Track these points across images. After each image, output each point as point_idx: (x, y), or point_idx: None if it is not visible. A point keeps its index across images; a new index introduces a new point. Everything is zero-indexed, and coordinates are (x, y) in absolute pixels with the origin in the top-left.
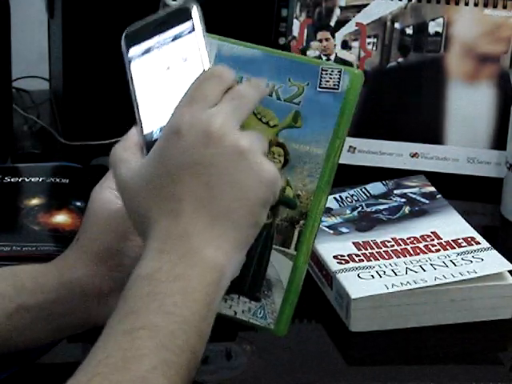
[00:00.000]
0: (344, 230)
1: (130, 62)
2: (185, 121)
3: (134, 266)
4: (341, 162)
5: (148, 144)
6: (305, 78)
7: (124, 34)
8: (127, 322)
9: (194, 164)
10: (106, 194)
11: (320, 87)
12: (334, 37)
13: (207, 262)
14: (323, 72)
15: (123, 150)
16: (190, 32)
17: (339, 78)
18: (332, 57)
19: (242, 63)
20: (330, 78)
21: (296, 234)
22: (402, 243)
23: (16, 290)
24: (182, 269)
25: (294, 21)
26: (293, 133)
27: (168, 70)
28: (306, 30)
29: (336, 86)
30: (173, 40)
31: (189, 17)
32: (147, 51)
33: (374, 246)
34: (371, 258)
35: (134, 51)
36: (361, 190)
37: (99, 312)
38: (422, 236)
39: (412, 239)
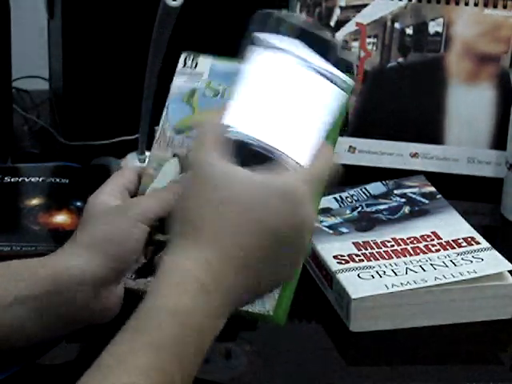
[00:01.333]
0: (344, 229)
1: (252, 43)
2: (301, 195)
3: (129, 256)
4: (341, 162)
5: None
6: None
7: (266, 12)
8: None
9: (277, 228)
10: (103, 197)
11: None
12: (333, 37)
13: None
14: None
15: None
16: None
17: None
18: None
19: (234, 77)
20: None
21: None
22: (402, 243)
23: (12, 282)
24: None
25: None
26: None
27: (284, 81)
28: None
29: None
30: (306, 62)
31: (335, 55)
32: (277, 49)
33: (374, 246)
34: (371, 258)
35: (264, 37)
36: (361, 189)
37: (95, 305)
38: (422, 236)
39: (412, 239)
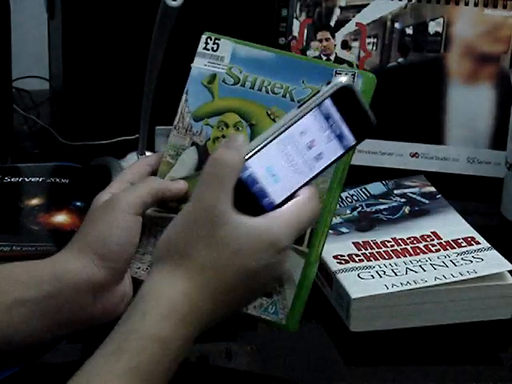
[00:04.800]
0: (344, 229)
1: (318, 105)
2: (284, 244)
3: (125, 251)
4: None
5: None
6: (319, 81)
7: (347, 87)
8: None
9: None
10: (105, 196)
11: None
12: (333, 37)
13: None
14: (337, 75)
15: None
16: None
17: (353, 81)
18: (332, 57)
19: (256, 64)
20: None
21: (308, 231)
22: (402, 243)
23: (11, 285)
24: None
25: (294, 21)
26: None
27: (309, 144)
28: (306, 30)
29: None
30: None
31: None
32: (326, 116)
33: (374, 246)
34: (371, 258)
35: (328, 103)
36: (361, 190)
37: (95, 307)
38: (422, 236)
39: (412, 239)
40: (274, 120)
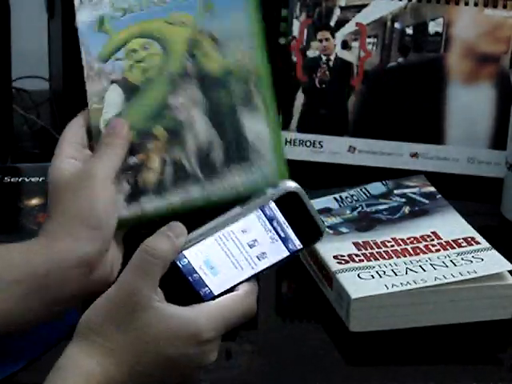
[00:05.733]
0: (344, 229)
1: (261, 208)
2: (207, 335)
3: (112, 219)
4: (341, 162)
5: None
6: None
7: (294, 192)
8: None
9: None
10: (62, 164)
11: None
12: (334, 37)
13: None
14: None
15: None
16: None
17: None
18: (332, 57)
19: None
20: None
21: (253, 88)
22: (402, 243)
23: (5, 267)
24: None
25: (294, 21)
26: (210, 17)
27: (250, 243)
28: (306, 30)
29: None
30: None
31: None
32: (270, 218)
33: (374, 246)
34: (371, 258)
35: (272, 206)
36: (361, 190)
37: (91, 281)
38: (421, 236)
39: (412, 239)
40: (175, 24)
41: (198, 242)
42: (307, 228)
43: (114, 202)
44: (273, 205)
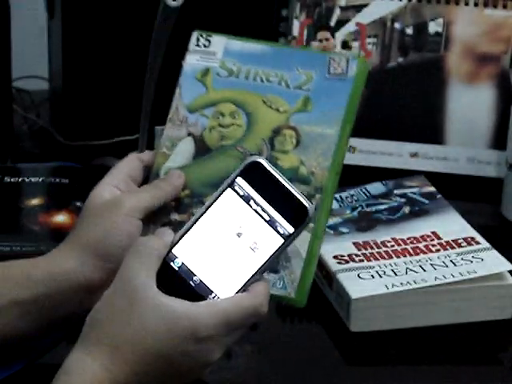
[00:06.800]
0: (344, 229)
1: (230, 185)
2: (205, 332)
3: (123, 254)
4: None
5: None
6: (313, 67)
7: (256, 161)
8: None
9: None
10: (102, 190)
11: (329, 73)
12: (334, 37)
13: None
14: (331, 60)
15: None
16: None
17: (347, 65)
18: None
19: (249, 57)
20: (338, 66)
21: (313, 207)
22: (402, 243)
23: (7, 285)
24: None
25: (294, 21)
26: (304, 117)
27: (233, 223)
28: (305, 30)
29: (344, 72)
30: (268, 220)
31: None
32: (246, 199)
33: (374, 246)
34: (371, 258)
35: (242, 183)
36: (361, 190)
37: (91, 304)
38: (422, 236)
39: (412, 239)
40: (270, 107)
41: (186, 232)
42: (289, 205)
43: (133, 238)
44: (241, 181)
